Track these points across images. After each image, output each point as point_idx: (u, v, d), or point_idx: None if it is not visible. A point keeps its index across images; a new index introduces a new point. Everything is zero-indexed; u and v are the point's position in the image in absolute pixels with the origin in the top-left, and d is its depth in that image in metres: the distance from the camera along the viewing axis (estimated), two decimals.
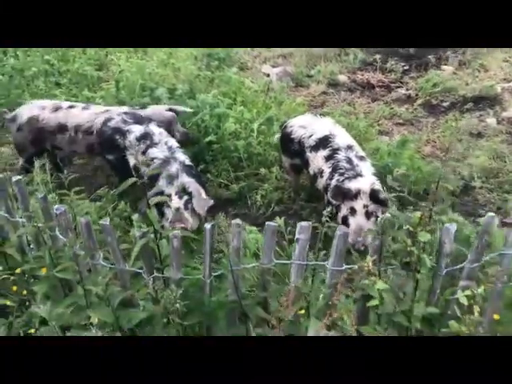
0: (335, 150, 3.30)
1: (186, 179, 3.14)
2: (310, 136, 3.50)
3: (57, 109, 3.83)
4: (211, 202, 3.10)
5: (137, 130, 3.47)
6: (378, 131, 4.92)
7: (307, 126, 3.60)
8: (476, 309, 1.79)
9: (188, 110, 4.15)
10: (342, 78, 6.25)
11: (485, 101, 5.49)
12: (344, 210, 3.01)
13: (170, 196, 3.02)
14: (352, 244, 2.76)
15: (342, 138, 3.43)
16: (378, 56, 6.46)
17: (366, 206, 2.95)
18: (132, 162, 3.43)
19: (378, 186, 3.03)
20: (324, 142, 3.38)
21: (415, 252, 1.80)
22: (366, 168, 3.22)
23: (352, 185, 3.02)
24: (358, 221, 2.95)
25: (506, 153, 4.46)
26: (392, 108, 5.45)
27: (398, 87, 6.00)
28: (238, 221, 2.01)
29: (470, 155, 4.42)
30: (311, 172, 3.48)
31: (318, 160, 3.37)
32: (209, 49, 6.08)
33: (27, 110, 3.87)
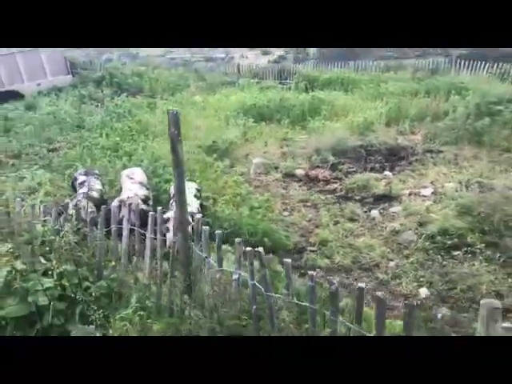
0: None
1: None
2: None
3: None
4: None
5: None
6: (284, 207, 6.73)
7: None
8: None
9: None
10: (299, 171, 8.17)
11: (387, 199, 6.88)
12: None
13: None
14: None
15: None
16: (331, 158, 8.29)
17: None
18: None
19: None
20: None
21: None
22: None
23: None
24: None
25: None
26: (312, 195, 7.18)
27: (334, 182, 7.68)
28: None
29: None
30: None
31: None
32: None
33: None
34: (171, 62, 24.53)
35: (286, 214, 6.73)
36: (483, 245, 5.28)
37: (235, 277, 2.90)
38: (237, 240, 2.93)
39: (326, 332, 2.48)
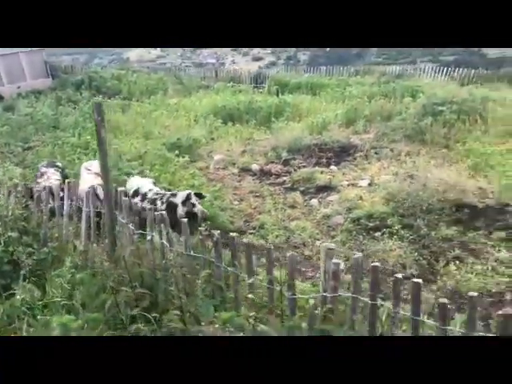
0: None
1: None
2: None
3: None
4: None
5: None
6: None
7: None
8: None
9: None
10: (254, 166, 8.83)
11: (327, 189, 7.56)
12: None
13: None
14: None
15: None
16: (285, 154, 8.98)
17: None
18: None
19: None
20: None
21: None
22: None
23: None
24: None
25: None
26: (263, 186, 7.84)
27: (284, 176, 8.35)
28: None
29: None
30: None
31: None
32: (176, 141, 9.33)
33: None
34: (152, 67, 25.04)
35: (236, 203, 7.37)
36: (400, 226, 5.95)
37: (148, 238, 3.54)
38: (147, 207, 3.57)
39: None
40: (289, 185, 7.96)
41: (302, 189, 7.74)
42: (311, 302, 2.98)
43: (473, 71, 16.16)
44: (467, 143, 8.73)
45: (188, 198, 5.47)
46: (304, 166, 8.68)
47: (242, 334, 2.27)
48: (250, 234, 6.25)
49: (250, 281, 3.10)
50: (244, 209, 7.08)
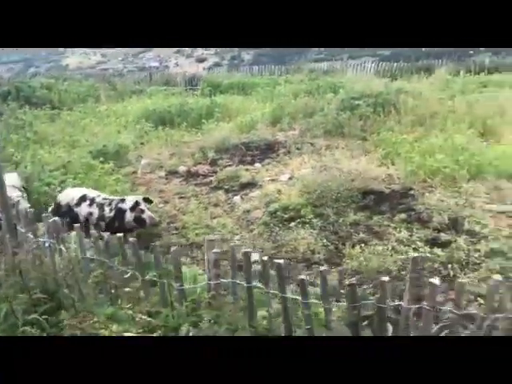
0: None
1: None
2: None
3: None
4: None
5: None
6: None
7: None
8: None
9: None
10: (182, 168, 9.00)
11: (250, 186, 7.87)
12: None
13: None
14: None
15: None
16: (212, 154, 9.21)
17: None
18: None
19: None
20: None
21: None
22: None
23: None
24: None
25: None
26: (189, 187, 8.03)
27: (211, 176, 8.58)
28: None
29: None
30: None
31: None
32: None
33: None
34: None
35: (161, 205, 7.51)
36: (312, 215, 6.34)
37: (46, 245, 3.65)
38: (43, 215, 3.68)
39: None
40: (214, 184, 8.19)
41: (226, 187, 8.00)
42: (198, 290, 3.22)
43: (395, 64, 17.09)
44: (381, 134, 9.32)
45: (137, 204, 5.57)
46: (230, 165, 8.95)
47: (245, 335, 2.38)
48: (173, 234, 6.43)
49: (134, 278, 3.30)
50: (168, 210, 7.23)
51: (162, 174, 8.87)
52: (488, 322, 2.28)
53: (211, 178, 8.48)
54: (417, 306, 2.50)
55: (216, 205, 7.30)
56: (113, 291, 3.28)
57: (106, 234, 3.38)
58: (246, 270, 2.98)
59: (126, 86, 19.87)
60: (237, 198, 7.45)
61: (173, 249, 3.19)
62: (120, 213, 5.70)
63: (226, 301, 3.03)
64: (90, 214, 5.81)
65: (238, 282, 3.03)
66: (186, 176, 8.76)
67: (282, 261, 2.83)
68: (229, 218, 6.75)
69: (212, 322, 2.85)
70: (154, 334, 2.57)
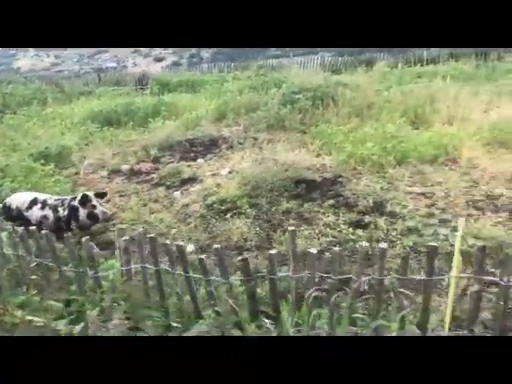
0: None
1: None
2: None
3: None
4: None
5: None
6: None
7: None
8: None
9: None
10: (124, 167, 9.06)
11: (191, 181, 8.04)
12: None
13: None
14: None
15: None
16: (155, 152, 9.31)
17: None
18: None
19: None
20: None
21: None
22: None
23: None
24: None
25: None
26: (130, 185, 8.11)
27: (153, 173, 8.69)
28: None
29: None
30: None
31: None
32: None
33: None
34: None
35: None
36: (247, 206, 6.59)
37: None
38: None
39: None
40: (156, 181, 8.31)
41: (168, 183, 8.13)
42: (110, 276, 3.38)
43: (340, 59, 17.62)
44: (319, 126, 9.69)
45: (87, 199, 5.53)
46: (172, 162, 9.08)
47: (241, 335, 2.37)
48: (111, 231, 6.52)
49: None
50: (109, 208, 7.29)
51: (105, 173, 8.90)
52: (357, 284, 2.57)
53: (153, 175, 8.59)
54: (301, 274, 2.77)
55: (156, 201, 7.43)
56: (27, 282, 3.40)
57: (19, 229, 3.48)
58: (152, 254, 3.18)
59: (75, 87, 19.54)
60: (177, 193, 7.60)
61: (84, 239, 3.34)
62: (73, 211, 5.70)
63: (136, 284, 3.21)
64: (45, 217, 5.77)
65: (147, 266, 3.22)
66: (129, 174, 8.83)
67: (182, 243, 3.04)
68: (167, 213, 6.90)
69: (123, 304, 3.04)
70: (138, 334, 2.59)
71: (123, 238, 3.25)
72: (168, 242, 3.42)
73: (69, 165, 9.52)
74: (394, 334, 2.25)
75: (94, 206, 5.68)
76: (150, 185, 8.19)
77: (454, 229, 5.50)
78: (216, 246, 3.11)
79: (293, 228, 2.93)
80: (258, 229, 6.10)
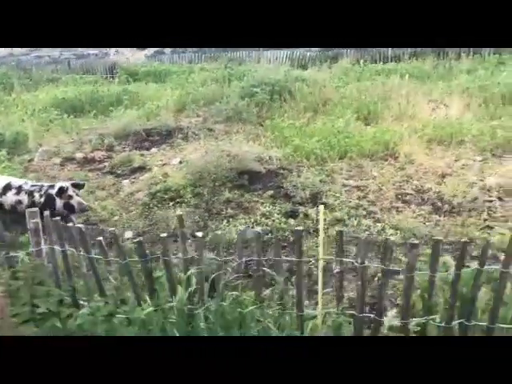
0: None
1: None
2: None
3: None
4: None
5: None
6: None
7: None
8: None
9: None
10: (78, 154, 9.15)
11: (141, 170, 8.20)
12: None
13: None
14: None
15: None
16: (110, 140, 9.43)
17: None
18: None
19: None
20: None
21: None
22: None
23: None
24: None
25: None
26: (81, 170, 8.23)
27: (106, 161, 8.81)
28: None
29: None
30: None
31: None
32: None
33: None
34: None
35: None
36: (191, 195, 6.80)
37: None
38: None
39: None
40: (107, 169, 8.43)
41: (118, 172, 8.27)
42: (21, 257, 3.55)
43: (308, 54, 17.86)
44: (274, 120, 9.93)
45: (64, 189, 5.54)
46: (127, 151, 9.21)
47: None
48: None
49: None
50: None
51: (58, 160, 8.97)
52: (235, 264, 2.82)
53: (106, 164, 8.70)
54: (187, 257, 3.01)
55: (103, 188, 7.57)
56: None
57: None
58: (59, 236, 3.36)
59: (44, 74, 19.30)
60: (125, 182, 7.76)
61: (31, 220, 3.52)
62: (50, 199, 5.68)
63: (42, 263, 3.39)
64: (19, 201, 5.73)
65: (54, 247, 3.41)
66: (83, 162, 8.92)
67: (82, 225, 3.24)
68: (112, 200, 7.05)
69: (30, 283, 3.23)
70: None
71: (32, 221, 3.42)
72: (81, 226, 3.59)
73: (24, 151, 9.55)
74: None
75: (70, 197, 5.62)
76: (101, 173, 8.31)
77: (378, 220, 5.84)
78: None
79: (180, 213, 3.14)
80: (196, 217, 6.32)
